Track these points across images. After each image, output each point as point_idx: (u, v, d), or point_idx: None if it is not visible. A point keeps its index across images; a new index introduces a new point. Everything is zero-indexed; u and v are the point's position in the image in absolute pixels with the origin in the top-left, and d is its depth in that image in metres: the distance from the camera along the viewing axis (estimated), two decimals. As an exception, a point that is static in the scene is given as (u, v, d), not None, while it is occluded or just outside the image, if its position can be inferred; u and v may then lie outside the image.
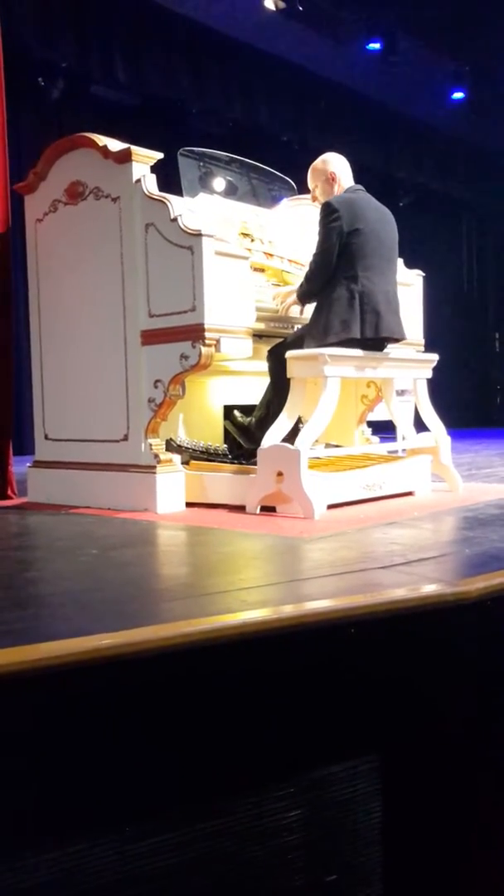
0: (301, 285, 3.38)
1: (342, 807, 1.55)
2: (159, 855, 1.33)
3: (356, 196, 3.37)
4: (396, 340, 3.44)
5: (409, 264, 4.19)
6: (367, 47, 8.27)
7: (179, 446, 3.53)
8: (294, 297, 3.43)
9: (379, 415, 4.26)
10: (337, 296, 3.23)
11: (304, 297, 3.39)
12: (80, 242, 3.56)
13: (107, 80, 7.42)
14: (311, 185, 3.56)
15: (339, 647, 1.53)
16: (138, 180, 3.29)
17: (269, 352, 3.43)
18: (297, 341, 3.29)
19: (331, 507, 3.12)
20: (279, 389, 3.35)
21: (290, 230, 4.00)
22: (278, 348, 3.37)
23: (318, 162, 3.52)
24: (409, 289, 4.07)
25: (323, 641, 1.51)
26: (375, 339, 3.30)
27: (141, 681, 1.33)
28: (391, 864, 1.60)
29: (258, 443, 3.20)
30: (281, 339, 3.44)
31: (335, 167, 3.47)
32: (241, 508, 3.18)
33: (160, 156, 3.37)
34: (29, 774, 1.24)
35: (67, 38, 7.00)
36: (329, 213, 3.25)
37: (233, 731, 1.42)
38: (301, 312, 3.54)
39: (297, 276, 3.67)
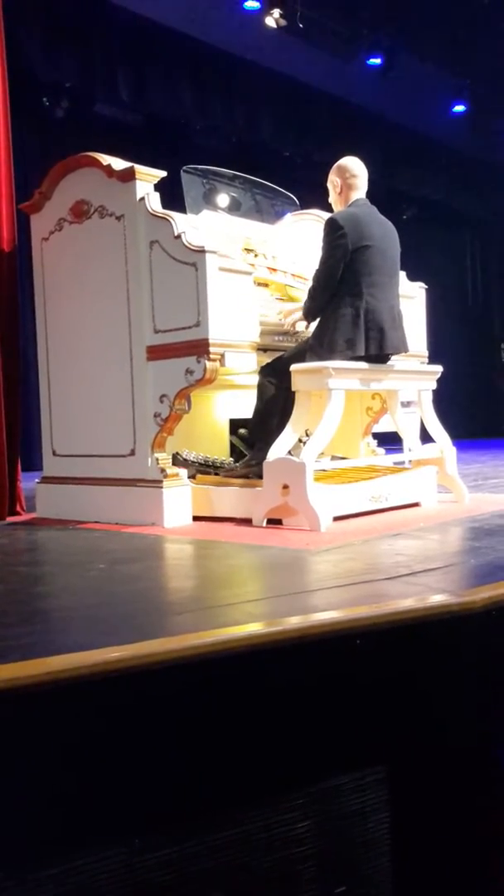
0: (305, 303, 3.39)
1: (351, 818, 1.55)
2: (168, 867, 1.34)
3: (360, 211, 3.35)
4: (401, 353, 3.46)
5: (412, 277, 4.21)
6: (368, 62, 8.32)
7: (186, 460, 3.55)
8: (300, 314, 3.45)
9: (384, 426, 4.27)
10: (342, 313, 3.23)
11: (309, 314, 3.40)
12: (85, 260, 3.59)
13: (110, 99, 7.50)
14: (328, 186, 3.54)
15: (345, 658, 1.53)
16: (142, 198, 3.32)
17: (263, 368, 3.43)
18: (298, 356, 3.29)
19: (337, 519, 3.13)
20: (267, 403, 3.35)
21: (294, 245, 4.03)
22: (273, 364, 3.38)
23: (333, 168, 3.47)
24: (411, 301, 4.10)
25: (329, 653, 1.52)
26: (380, 355, 3.31)
27: (148, 694, 1.34)
28: (401, 874, 1.60)
29: (255, 457, 3.22)
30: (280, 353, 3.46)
31: (343, 175, 3.43)
32: (247, 521, 3.19)
33: (163, 174, 3.41)
34: (37, 787, 1.25)
35: (71, 58, 7.08)
36: (334, 230, 3.25)
37: (240, 743, 1.42)
38: (307, 327, 3.56)
39: (301, 291, 3.69)
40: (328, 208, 3.91)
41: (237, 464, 3.49)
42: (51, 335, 3.82)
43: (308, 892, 1.50)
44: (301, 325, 3.54)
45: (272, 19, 7.45)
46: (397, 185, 9.58)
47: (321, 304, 3.32)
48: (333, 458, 3.89)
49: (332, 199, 3.50)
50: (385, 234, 3.37)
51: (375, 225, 3.35)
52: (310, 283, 3.41)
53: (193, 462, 3.57)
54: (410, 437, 3.83)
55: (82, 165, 3.59)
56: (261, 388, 3.44)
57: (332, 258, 3.26)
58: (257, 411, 3.45)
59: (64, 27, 6.89)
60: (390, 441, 4.57)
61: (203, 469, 3.56)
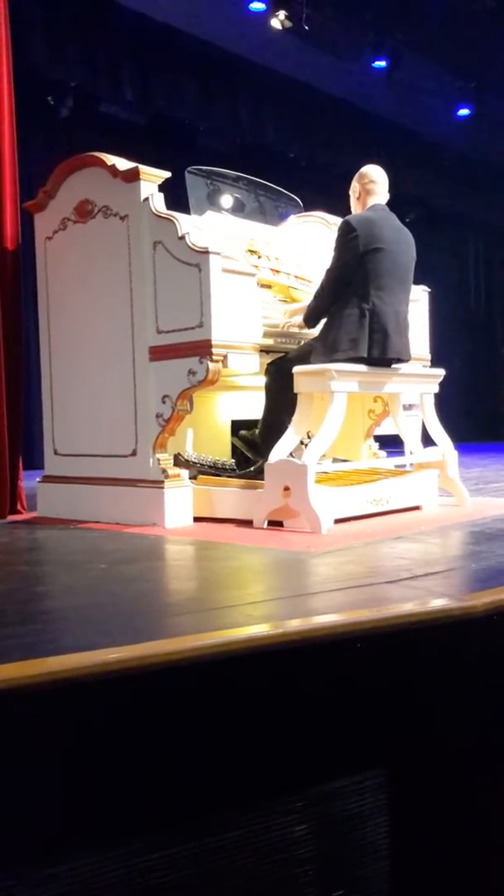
0: (309, 303, 3.39)
1: (350, 821, 1.55)
2: (167, 869, 1.34)
3: (376, 215, 3.35)
4: (404, 361, 3.45)
5: (415, 280, 4.20)
6: (373, 65, 8.33)
7: (187, 461, 3.54)
8: (299, 318, 3.44)
9: (386, 429, 4.27)
10: (347, 313, 3.23)
11: (310, 317, 3.38)
12: (88, 260, 3.59)
13: (115, 99, 7.51)
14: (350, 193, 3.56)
15: (346, 661, 1.53)
16: (146, 199, 3.32)
17: (269, 365, 3.44)
18: (304, 356, 3.30)
19: (338, 521, 3.12)
20: (278, 403, 3.35)
21: (297, 247, 4.03)
22: (279, 362, 3.38)
23: (356, 175, 3.51)
24: (415, 304, 4.09)
25: (329, 656, 1.52)
26: (382, 359, 3.31)
27: (148, 695, 1.34)
28: (399, 878, 1.60)
29: (265, 458, 3.21)
30: (283, 354, 3.46)
31: (363, 181, 3.46)
32: (248, 523, 3.19)
33: (167, 174, 3.41)
34: (36, 788, 1.25)
35: (76, 57, 7.09)
36: (346, 232, 3.26)
37: (240, 745, 1.42)
38: (300, 329, 3.54)
39: (303, 292, 3.69)
40: (332, 210, 3.92)
41: (251, 468, 3.47)
42: (53, 334, 3.82)
43: (307, 895, 1.50)
44: (297, 329, 3.52)
45: (277, 21, 7.46)
46: (401, 188, 9.52)
47: (324, 306, 3.32)
48: (335, 460, 3.88)
49: (352, 205, 3.52)
50: (399, 240, 3.37)
51: (390, 230, 3.34)
52: (316, 284, 3.41)
53: (195, 463, 3.56)
54: (412, 441, 3.83)
55: (87, 165, 3.59)
56: (268, 389, 3.44)
57: (341, 260, 3.27)
58: (266, 413, 3.45)
59: (69, 27, 6.91)
60: (392, 444, 4.57)
61: (205, 470, 3.56)
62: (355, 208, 3.49)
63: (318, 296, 3.35)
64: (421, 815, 1.62)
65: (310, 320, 3.40)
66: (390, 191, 3.55)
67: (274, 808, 1.45)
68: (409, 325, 3.45)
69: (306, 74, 8.36)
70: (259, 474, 3.28)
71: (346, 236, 3.25)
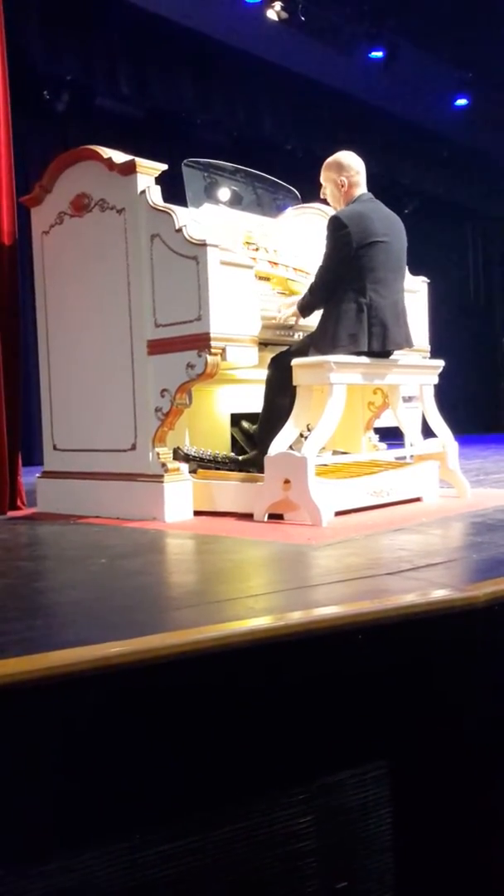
0: (304, 296, 3.39)
1: (353, 813, 1.55)
2: (169, 862, 1.33)
3: (364, 208, 3.33)
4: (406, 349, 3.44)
5: (415, 271, 4.19)
6: (370, 55, 8.30)
7: (187, 455, 3.54)
8: (294, 308, 3.43)
9: (386, 421, 4.26)
10: (345, 308, 3.22)
11: (304, 308, 3.39)
12: (86, 254, 3.58)
13: (111, 92, 7.48)
14: (322, 181, 3.48)
15: (347, 653, 1.53)
16: (143, 192, 3.31)
17: (273, 360, 3.43)
18: (303, 351, 3.29)
19: (338, 513, 3.12)
20: (277, 397, 3.34)
21: (295, 239, 4.01)
22: (281, 357, 3.37)
23: (332, 161, 3.43)
24: (414, 295, 4.08)
25: (331, 648, 1.51)
26: (382, 351, 3.30)
27: (150, 688, 1.34)
28: (403, 870, 1.60)
29: (260, 450, 3.21)
30: (286, 347, 3.45)
31: (348, 173, 3.39)
32: (248, 516, 3.19)
33: (164, 167, 3.39)
34: (37, 783, 1.24)
35: (72, 51, 7.06)
36: (337, 228, 3.23)
37: (241, 738, 1.42)
38: (296, 322, 3.53)
39: (302, 284, 3.68)
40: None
41: (250, 456, 3.46)
42: (51, 329, 3.81)
43: (310, 888, 1.50)
44: (293, 320, 3.51)
45: (273, 12, 7.43)
46: (399, 179, 9.55)
47: (318, 301, 3.32)
48: (335, 452, 3.88)
49: (334, 196, 3.45)
50: (390, 229, 3.35)
51: (381, 220, 3.32)
52: (312, 279, 3.40)
53: (195, 457, 3.56)
54: (412, 432, 3.82)
55: (83, 158, 3.57)
56: (268, 382, 3.43)
57: (333, 257, 3.25)
58: (265, 407, 3.45)
59: (65, 20, 6.87)
60: (392, 436, 4.56)
61: (204, 464, 3.55)
62: (339, 201, 3.43)
63: (313, 291, 3.34)
64: (424, 806, 1.62)
65: (304, 310, 3.41)
66: (388, 182, 3.54)
67: (276, 801, 1.45)
68: (406, 312, 3.43)
69: (303, 66, 8.31)
70: (257, 466, 3.28)
71: (338, 233, 3.23)
